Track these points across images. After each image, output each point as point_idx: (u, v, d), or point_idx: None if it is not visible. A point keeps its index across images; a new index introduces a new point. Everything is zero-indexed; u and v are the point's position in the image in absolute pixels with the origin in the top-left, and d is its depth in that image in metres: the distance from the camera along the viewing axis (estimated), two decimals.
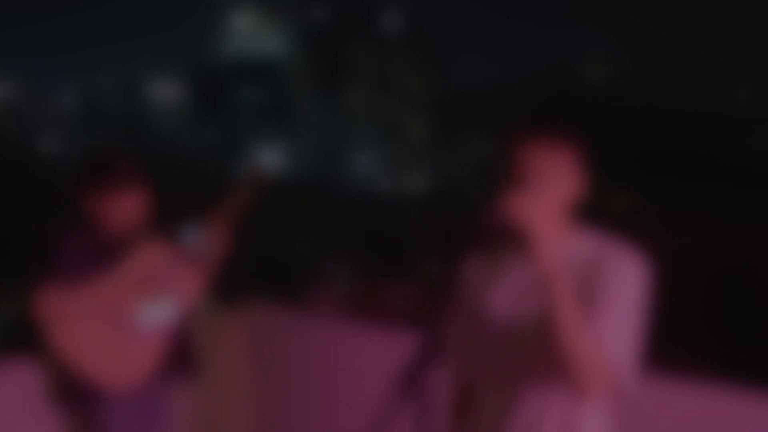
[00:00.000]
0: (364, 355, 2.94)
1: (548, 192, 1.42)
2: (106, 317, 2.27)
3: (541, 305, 1.37)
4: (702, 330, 11.23)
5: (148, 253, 2.36)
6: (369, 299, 17.05)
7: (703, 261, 11.89)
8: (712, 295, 11.54)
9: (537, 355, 1.42)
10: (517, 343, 1.47)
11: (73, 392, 2.30)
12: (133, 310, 2.30)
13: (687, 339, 11.06)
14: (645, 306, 1.44)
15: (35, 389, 2.46)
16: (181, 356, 2.50)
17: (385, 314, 15.80)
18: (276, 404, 3.22)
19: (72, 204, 2.34)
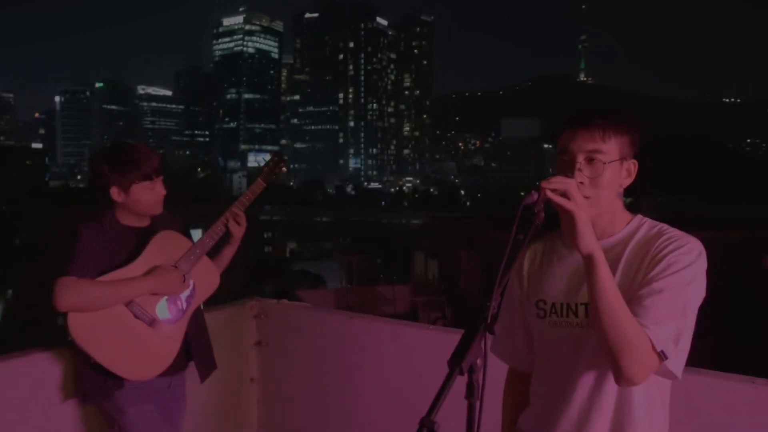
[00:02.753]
0: (369, 345, 3.01)
1: (599, 178, 1.45)
2: (125, 308, 2.32)
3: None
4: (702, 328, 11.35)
5: (166, 244, 2.41)
6: (365, 298, 17.07)
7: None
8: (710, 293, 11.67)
9: (588, 341, 1.43)
10: (570, 329, 1.50)
11: (94, 382, 2.35)
12: (151, 302, 2.36)
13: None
14: (700, 291, 1.42)
15: (42, 385, 2.50)
16: (196, 348, 2.55)
17: (382, 313, 15.85)
18: (286, 394, 3.28)
19: (97, 194, 2.37)
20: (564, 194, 1.35)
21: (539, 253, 1.63)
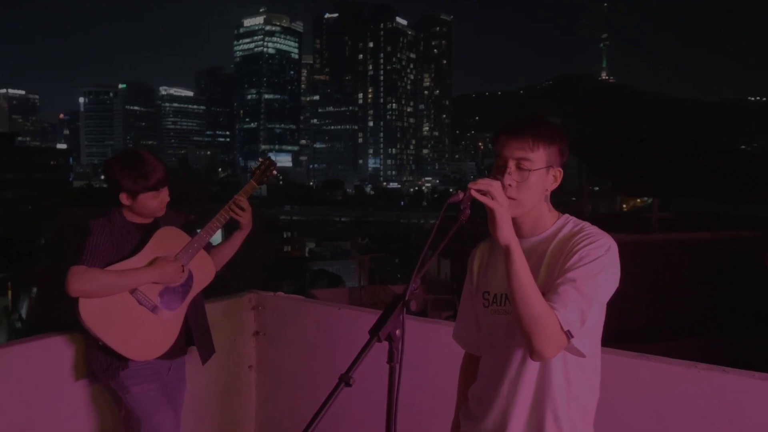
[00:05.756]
0: (356, 334, 3.22)
1: (525, 182, 1.63)
2: (130, 295, 2.56)
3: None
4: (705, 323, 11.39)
5: (167, 238, 2.66)
6: (378, 297, 17.27)
7: (708, 255, 12.02)
8: (713, 289, 11.69)
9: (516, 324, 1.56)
10: (507, 316, 1.66)
11: (102, 363, 2.60)
12: (153, 290, 2.60)
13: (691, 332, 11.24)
14: (609, 282, 1.59)
15: (56, 366, 2.75)
16: (195, 333, 2.80)
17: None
18: (281, 380, 3.52)
19: (110, 194, 2.62)
20: (487, 194, 1.54)
21: (487, 250, 1.85)
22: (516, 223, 1.66)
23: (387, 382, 1.41)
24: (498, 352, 1.72)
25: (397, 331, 1.41)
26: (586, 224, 1.69)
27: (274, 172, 2.85)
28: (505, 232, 1.54)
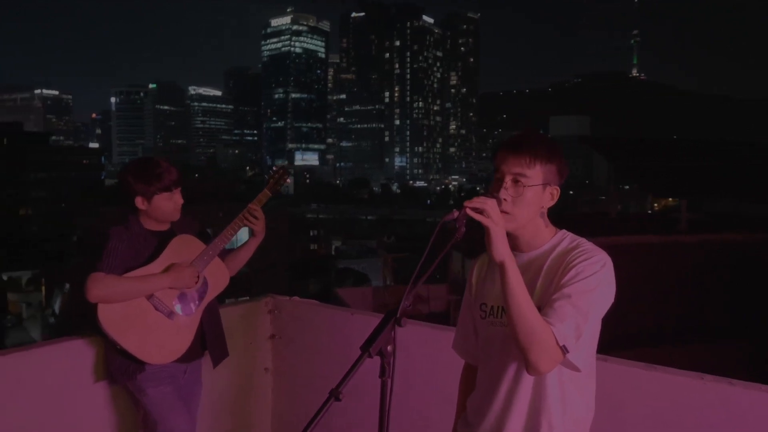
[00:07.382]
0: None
1: (520, 198, 1.66)
2: (147, 301, 2.65)
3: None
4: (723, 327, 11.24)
5: (183, 246, 2.74)
6: (401, 297, 17.27)
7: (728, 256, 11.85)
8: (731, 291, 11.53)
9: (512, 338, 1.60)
10: (503, 328, 1.70)
11: (120, 366, 2.69)
12: (169, 296, 2.69)
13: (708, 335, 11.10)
14: (605, 297, 1.61)
15: (76, 368, 2.85)
16: (209, 337, 2.87)
17: (416, 311, 16.04)
18: (296, 383, 3.58)
19: (123, 200, 2.71)
20: (482, 212, 1.56)
21: (485, 263, 1.88)
22: (512, 237, 1.68)
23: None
24: (494, 363, 1.75)
25: (389, 347, 1.45)
26: (583, 240, 1.71)
27: (288, 180, 2.92)
28: (500, 249, 1.56)
